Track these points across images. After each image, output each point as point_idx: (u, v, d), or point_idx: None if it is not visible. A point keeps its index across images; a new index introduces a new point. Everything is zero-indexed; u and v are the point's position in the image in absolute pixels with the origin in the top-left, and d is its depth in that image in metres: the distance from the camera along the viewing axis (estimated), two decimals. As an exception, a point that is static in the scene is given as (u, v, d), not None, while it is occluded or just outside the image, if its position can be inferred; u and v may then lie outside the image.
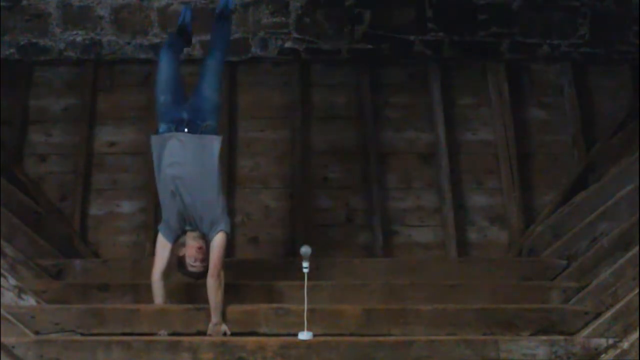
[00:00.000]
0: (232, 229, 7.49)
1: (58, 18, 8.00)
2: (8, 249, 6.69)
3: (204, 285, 6.17)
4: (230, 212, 7.55)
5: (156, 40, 8.01)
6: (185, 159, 6.20)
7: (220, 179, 6.29)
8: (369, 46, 8.05)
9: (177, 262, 6.25)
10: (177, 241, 6.26)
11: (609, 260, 6.51)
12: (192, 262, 6.19)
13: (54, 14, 8.00)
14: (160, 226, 6.31)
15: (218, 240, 6.17)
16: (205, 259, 6.18)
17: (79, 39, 8.01)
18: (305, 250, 5.97)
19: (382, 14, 8.04)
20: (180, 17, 6.90)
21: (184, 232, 6.26)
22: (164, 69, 6.51)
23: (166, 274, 6.27)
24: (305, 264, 5.96)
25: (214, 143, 6.27)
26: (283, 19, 8.00)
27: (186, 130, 6.26)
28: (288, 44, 8.05)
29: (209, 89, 6.46)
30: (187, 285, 6.49)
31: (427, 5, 8.05)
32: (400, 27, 8.06)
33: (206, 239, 6.22)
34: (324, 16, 8.06)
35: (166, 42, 6.82)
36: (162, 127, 6.34)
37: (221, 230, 6.19)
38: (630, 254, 6.31)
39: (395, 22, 8.05)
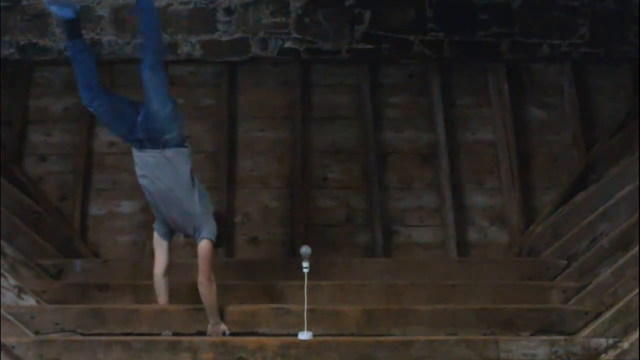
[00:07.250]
0: (233, 230, 7.53)
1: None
2: (8, 249, 6.70)
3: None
4: (230, 212, 7.57)
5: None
6: (153, 174, 6.02)
7: (196, 187, 6.07)
8: (369, 46, 8.04)
9: None
10: (172, 238, 6.25)
11: (609, 260, 6.51)
12: None
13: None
14: (155, 225, 6.26)
15: (202, 250, 6.07)
16: None
17: (79, 39, 7.99)
18: (305, 250, 5.97)
19: (382, 14, 8.04)
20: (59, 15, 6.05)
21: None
22: (98, 102, 6.00)
23: (168, 272, 6.24)
24: (305, 264, 5.96)
25: (180, 156, 6.02)
26: (283, 19, 7.99)
27: (148, 147, 5.99)
28: (288, 44, 8.05)
29: (155, 103, 5.96)
30: (187, 286, 6.49)
31: (427, 5, 8.05)
32: (400, 27, 8.05)
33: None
34: (324, 16, 8.05)
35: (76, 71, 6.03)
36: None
37: (203, 238, 6.08)
38: (630, 254, 6.32)
39: (395, 22, 8.05)
